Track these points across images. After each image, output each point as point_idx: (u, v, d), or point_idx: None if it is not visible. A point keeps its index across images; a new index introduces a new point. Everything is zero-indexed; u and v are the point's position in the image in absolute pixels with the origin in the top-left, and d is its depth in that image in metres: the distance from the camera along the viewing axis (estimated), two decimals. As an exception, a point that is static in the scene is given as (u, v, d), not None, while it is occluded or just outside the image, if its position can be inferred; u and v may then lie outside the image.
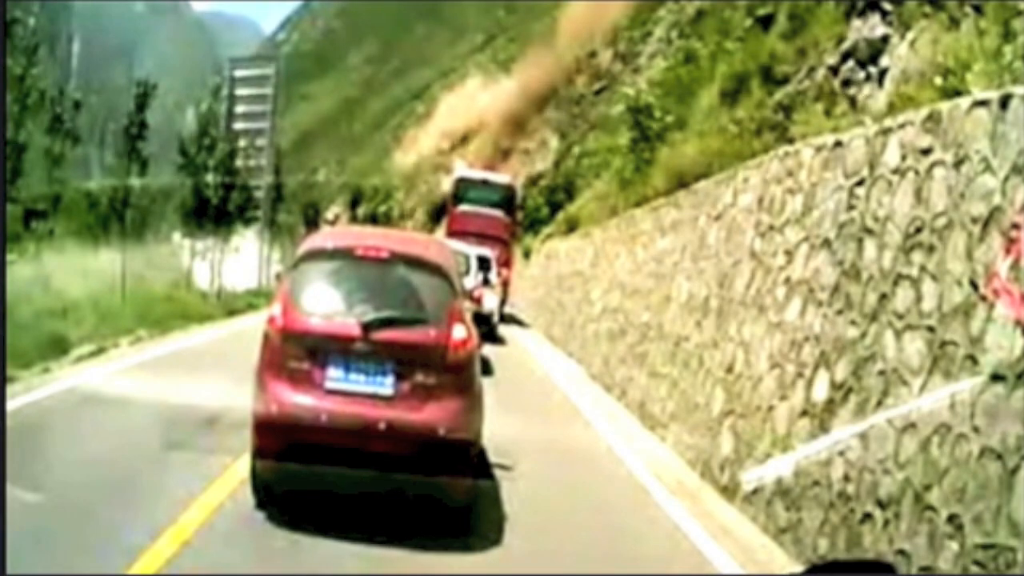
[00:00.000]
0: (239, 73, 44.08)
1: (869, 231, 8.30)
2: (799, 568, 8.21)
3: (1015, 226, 6.09)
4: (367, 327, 7.98)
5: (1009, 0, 8.36)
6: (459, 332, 8.27)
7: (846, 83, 12.85)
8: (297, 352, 8.04)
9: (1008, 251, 6.14)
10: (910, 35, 11.31)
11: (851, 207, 8.77)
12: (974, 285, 6.52)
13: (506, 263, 32.38)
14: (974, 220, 6.63)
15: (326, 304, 8.33)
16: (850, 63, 12.87)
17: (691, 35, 31.03)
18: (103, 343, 18.31)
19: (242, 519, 8.02)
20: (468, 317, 8.74)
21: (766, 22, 18.43)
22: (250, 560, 7.33)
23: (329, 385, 7.97)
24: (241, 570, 7.01)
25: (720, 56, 20.99)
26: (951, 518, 6.26)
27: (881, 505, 7.19)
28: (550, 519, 9.23)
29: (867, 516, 7.40)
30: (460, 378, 8.17)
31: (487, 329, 21.51)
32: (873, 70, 12.27)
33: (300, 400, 7.95)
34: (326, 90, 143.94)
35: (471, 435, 8.24)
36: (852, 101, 11.91)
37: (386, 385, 7.97)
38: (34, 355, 14.89)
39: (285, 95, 54.17)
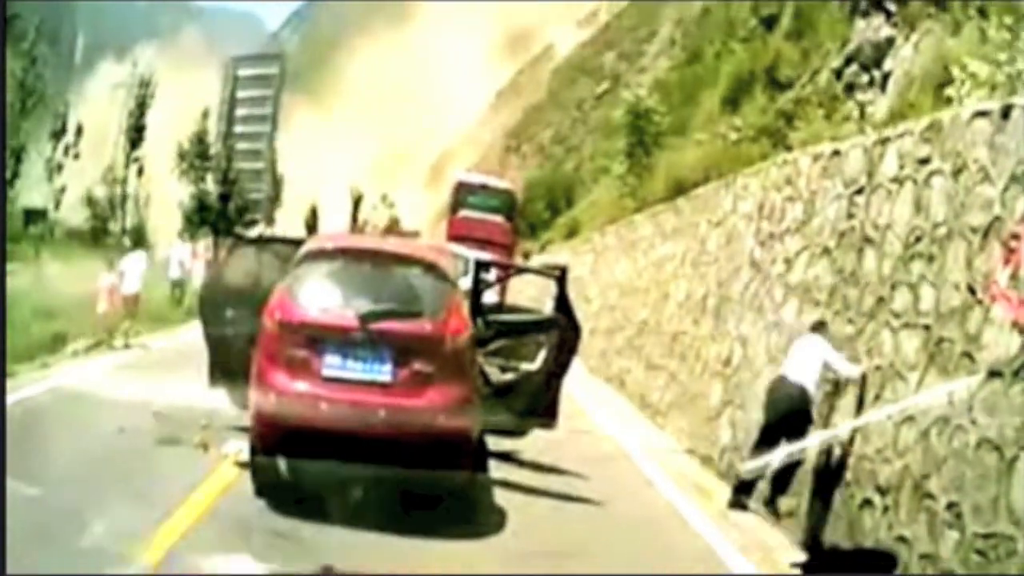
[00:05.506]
0: (242, 72, 43.95)
1: (868, 239, 8.32)
2: (801, 556, 8.26)
3: (1014, 236, 6.10)
4: (364, 318, 8.03)
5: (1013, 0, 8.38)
6: (456, 321, 8.32)
7: (849, 87, 12.84)
8: (295, 341, 8.06)
9: (1007, 261, 6.15)
10: (914, 36, 11.31)
11: (850, 215, 8.79)
12: (972, 290, 6.54)
13: (506, 268, 32.21)
14: (973, 230, 6.65)
15: (325, 299, 8.38)
16: (854, 67, 12.85)
17: (695, 34, 30.94)
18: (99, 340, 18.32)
19: (241, 509, 8.00)
20: (465, 310, 8.79)
21: (770, 23, 18.42)
22: (250, 551, 7.28)
23: (327, 373, 8.00)
24: (241, 561, 6.95)
25: (724, 56, 21.00)
26: (950, 506, 6.29)
27: (881, 491, 7.23)
28: (551, 506, 9.23)
29: (867, 502, 7.45)
30: (457, 366, 8.21)
31: None
32: (876, 74, 12.26)
33: (298, 388, 7.98)
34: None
35: (469, 422, 8.30)
36: (861, 112, 11.89)
37: (384, 372, 8.00)
38: (33, 351, 14.93)
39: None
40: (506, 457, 10.33)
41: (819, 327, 8.82)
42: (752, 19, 19.95)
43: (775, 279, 10.57)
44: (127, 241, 31.39)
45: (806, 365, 8.60)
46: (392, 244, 9.76)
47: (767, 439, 8.75)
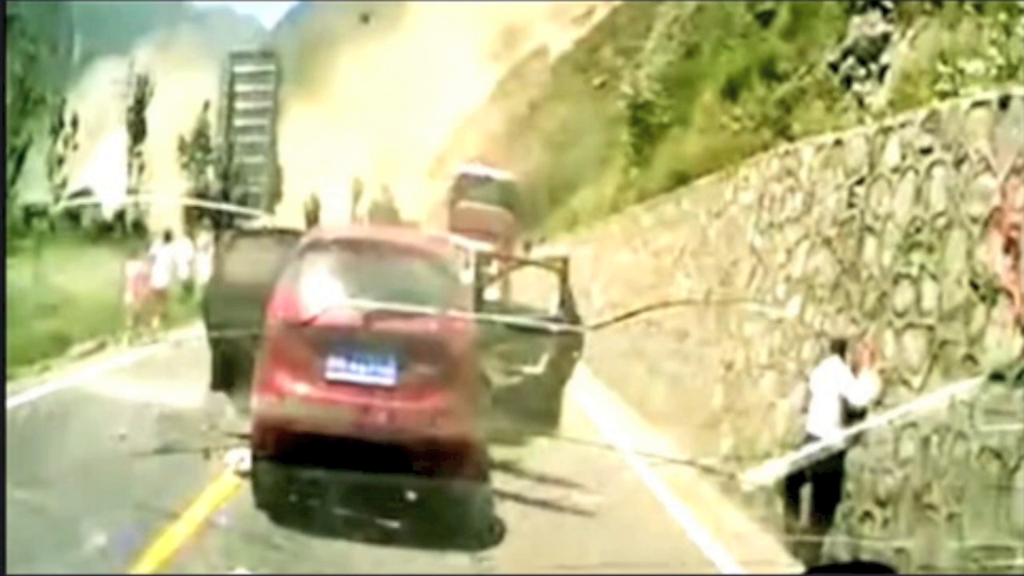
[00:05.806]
0: (239, 69, 44.04)
1: (869, 229, 8.30)
2: (800, 569, 8.22)
3: (1015, 227, 6.09)
4: (369, 317, 7.97)
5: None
6: (461, 321, 8.26)
7: (847, 80, 12.78)
8: (298, 341, 8.00)
9: (1007, 250, 6.15)
10: (910, 32, 11.26)
11: (851, 205, 8.77)
12: (974, 285, 6.53)
13: (507, 259, 32.15)
14: (974, 220, 6.64)
15: (328, 296, 8.29)
16: (850, 60, 12.78)
17: (691, 30, 30.85)
18: (104, 340, 18.28)
19: (242, 517, 7.99)
20: (470, 309, 8.74)
21: (766, 19, 18.33)
22: (250, 558, 7.30)
23: (330, 375, 7.95)
24: (241, 569, 6.98)
25: (720, 52, 20.93)
26: (950, 517, 6.27)
27: (881, 503, 7.20)
28: (551, 515, 9.22)
29: (867, 514, 7.41)
30: (461, 368, 8.15)
31: None
32: (874, 67, 12.20)
33: (300, 390, 7.93)
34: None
35: (472, 424, 8.23)
36: (860, 102, 11.84)
37: (387, 375, 7.94)
38: (34, 352, 14.87)
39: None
40: (504, 466, 10.22)
41: (837, 347, 8.22)
42: (748, 15, 19.82)
43: (776, 269, 10.53)
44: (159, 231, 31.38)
45: (827, 411, 8.00)
46: (394, 235, 9.72)
47: (793, 491, 8.29)
